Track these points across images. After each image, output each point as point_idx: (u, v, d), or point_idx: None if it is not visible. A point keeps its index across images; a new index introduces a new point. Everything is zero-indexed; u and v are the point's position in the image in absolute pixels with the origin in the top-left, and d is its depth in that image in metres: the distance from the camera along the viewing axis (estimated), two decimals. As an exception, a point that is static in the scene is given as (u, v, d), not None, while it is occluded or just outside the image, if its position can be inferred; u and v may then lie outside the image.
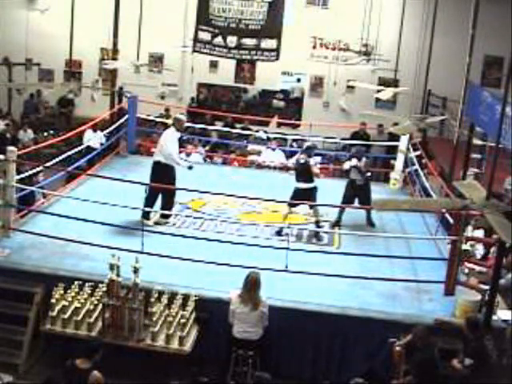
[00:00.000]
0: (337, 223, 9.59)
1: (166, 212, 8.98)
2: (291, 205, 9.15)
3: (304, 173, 9.13)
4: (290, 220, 9.06)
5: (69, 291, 6.85)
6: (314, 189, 9.14)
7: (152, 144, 14.08)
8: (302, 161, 9.20)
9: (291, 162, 9.80)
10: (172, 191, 8.90)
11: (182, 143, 14.37)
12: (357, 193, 9.67)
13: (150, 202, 8.65)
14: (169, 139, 8.95)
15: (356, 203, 9.70)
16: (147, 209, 8.59)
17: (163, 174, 8.81)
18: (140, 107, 12.66)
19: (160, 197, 8.88)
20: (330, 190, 10.03)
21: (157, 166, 8.90)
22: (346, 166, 9.83)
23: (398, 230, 9.47)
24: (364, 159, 9.84)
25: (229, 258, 7.56)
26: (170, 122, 15.04)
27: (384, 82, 14.74)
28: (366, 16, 14.07)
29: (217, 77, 16.90)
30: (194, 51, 11.93)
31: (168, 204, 8.97)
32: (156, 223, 8.88)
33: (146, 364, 6.65)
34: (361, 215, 9.79)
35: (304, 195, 8.99)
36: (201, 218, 9.27)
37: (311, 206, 9.22)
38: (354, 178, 9.71)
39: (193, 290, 7.04)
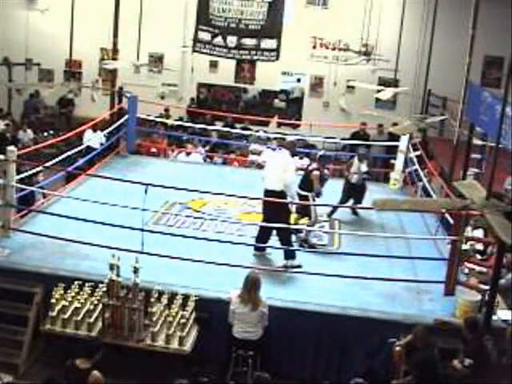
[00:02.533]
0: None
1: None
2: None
3: (304, 180, 8.95)
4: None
5: (69, 291, 6.85)
6: (306, 197, 8.82)
7: (152, 144, 14.15)
8: (310, 168, 8.99)
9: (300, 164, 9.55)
10: (289, 224, 8.04)
11: (182, 143, 14.50)
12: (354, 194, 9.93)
13: (264, 236, 8.10)
14: (290, 166, 8.00)
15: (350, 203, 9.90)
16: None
17: (280, 205, 7.86)
18: (140, 107, 12.66)
19: (274, 231, 8.02)
20: (330, 190, 10.01)
21: (272, 194, 7.86)
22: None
23: (397, 230, 9.47)
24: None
25: (229, 258, 7.56)
26: (170, 122, 15.25)
27: (384, 82, 14.73)
28: (365, 16, 14.07)
29: (217, 77, 16.90)
30: (194, 51, 11.93)
31: (287, 240, 7.92)
32: (286, 266, 7.88)
33: (146, 364, 6.65)
34: (361, 215, 9.81)
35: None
36: (201, 217, 9.26)
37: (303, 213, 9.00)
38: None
39: (193, 290, 7.04)
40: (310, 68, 16.55)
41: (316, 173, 8.71)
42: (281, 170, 7.88)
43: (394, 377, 6.57)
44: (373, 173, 13.92)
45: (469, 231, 9.03)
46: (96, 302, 6.78)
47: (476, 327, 6.32)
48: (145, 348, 6.59)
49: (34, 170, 9.27)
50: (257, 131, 15.66)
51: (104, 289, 6.72)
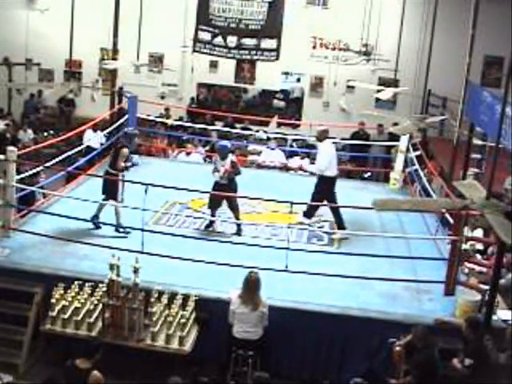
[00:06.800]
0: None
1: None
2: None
3: (115, 158, 8.67)
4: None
5: (69, 291, 6.85)
6: (115, 176, 8.58)
7: (152, 144, 14.13)
8: (119, 145, 8.86)
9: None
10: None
11: (182, 143, 14.50)
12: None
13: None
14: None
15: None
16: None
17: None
18: (140, 107, 12.65)
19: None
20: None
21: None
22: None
23: (398, 230, 9.46)
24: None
25: (229, 258, 7.57)
26: (169, 122, 15.23)
27: (384, 82, 14.73)
28: (365, 16, 14.06)
29: (217, 77, 16.88)
30: (194, 51, 11.94)
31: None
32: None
33: (145, 364, 6.66)
34: (361, 215, 9.80)
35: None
36: (201, 218, 9.27)
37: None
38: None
39: (193, 290, 7.04)
40: (310, 68, 16.53)
41: (125, 150, 8.70)
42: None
43: (393, 377, 6.57)
44: (373, 173, 14.02)
45: (467, 231, 9.02)
46: (96, 302, 6.78)
47: (477, 327, 6.32)
48: (145, 348, 6.60)
49: (34, 170, 9.26)
50: (257, 131, 15.64)
51: (104, 289, 6.72)
